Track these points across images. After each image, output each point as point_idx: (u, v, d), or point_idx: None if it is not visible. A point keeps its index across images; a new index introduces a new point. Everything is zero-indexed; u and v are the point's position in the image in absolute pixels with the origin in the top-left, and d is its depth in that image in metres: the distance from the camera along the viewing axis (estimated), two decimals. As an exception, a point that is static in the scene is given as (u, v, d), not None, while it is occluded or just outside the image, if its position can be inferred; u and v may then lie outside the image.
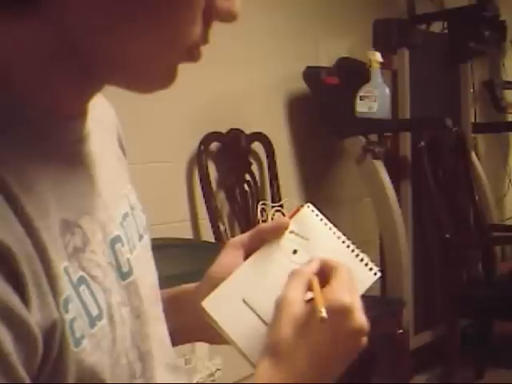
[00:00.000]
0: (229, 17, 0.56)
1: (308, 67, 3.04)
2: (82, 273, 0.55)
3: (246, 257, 0.78)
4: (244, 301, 0.74)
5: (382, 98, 2.94)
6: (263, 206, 2.72)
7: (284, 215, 0.87)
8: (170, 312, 0.77)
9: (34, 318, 0.48)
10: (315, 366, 0.67)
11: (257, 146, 2.90)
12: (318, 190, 3.25)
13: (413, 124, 3.16)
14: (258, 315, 0.73)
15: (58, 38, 0.53)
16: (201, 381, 2.14)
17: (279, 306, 0.68)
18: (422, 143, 3.19)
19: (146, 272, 0.70)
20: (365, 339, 0.69)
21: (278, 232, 0.78)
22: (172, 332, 0.74)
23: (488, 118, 4.22)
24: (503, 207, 4.43)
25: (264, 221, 2.60)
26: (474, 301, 3.17)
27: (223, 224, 2.63)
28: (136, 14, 0.53)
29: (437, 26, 3.48)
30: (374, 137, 3.04)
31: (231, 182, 2.78)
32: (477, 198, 3.54)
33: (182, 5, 0.53)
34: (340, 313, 0.66)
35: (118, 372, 0.58)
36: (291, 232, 0.79)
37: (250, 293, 0.74)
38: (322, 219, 0.81)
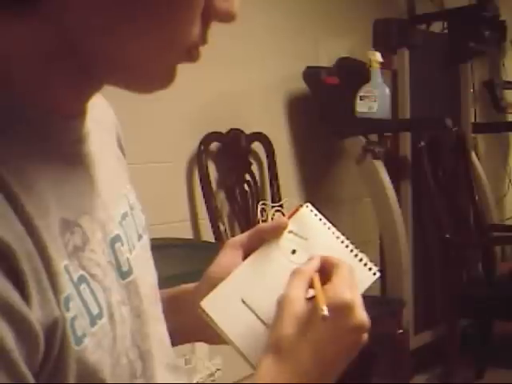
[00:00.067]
0: (227, 17, 0.56)
1: (308, 67, 3.04)
2: (82, 272, 0.55)
3: (245, 257, 0.78)
4: (243, 301, 0.74)
5: (382, 98, 2.94)
6: (263, 206, 2.72)
7: (284, 215, 0.87)
8: (170, 312, 0.77)
9: (35, 316, 0.48)
10: (318, 363, 0.67)
11: (257, 145, 2.90)
12: (318, 190, 3.25)
13: (413, 124, 3.16)
14: (257, 315, 0.73)
15: (58, 38, 0.53)
16: (201, 381, 2.14)
17: (281, 304, 0.69)
18: (422, 143, 3.19)
19: (145, 272, 0.70)
20: (366, 335, 0.69)
21: (276, 232, 0.79)
22: (171, 332, 0.74)
23: (488, 117, 4.22)
24: (503, 207, 4.43)
25: (264, 221, 2.60)
26: (473, 301, 3.17)
27: (223, 224, 2.63)
28: (135, 15, 0.53)
29: (437, 26, 3.48)
30: (374, 137, 3.04)
31: (231, 182, 2.78)
32: (477, 198, 3.54)
33: (181, 5, 0.53)
34: (341, 309, 0.67)
35: (118, 371, 0.58)
36: (290, 232, 0.79)
37: (248, 293, 0.74)
38: (321, 219, 0.81)
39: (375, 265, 0.80)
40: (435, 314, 3.31)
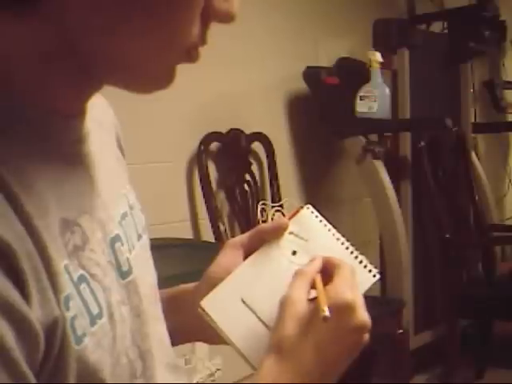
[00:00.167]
0: (227, 18, 0.56)
1: (308, 67, 3.04)
2: (82, 271, 0.55)
3: (246, 257, 0.78)
4: (243, 301, 0.74)
5: (382, 98, 2.94)
6: (263, 206, 2.72)
7: (284, 215, 0.87)
8: (169, 312, 0.77)
9: (35, 315, 0.48)
10: (319, 363, 0.67)
11: (257, 145, 2.90)
12: (318, 190, 3.25)
13: (413, 124, 3.16)
14: (257, 315, 0.74)
15: (58, 38, 0.53)
16: (201, 381, 2.14)
17: (283, 305, 0.69)
18: (422, 143, 3.19)
19: (145, 272, 0.70)
20: (367, 336, 0.69)
21: (277, 232, 0.79)
22: (171, 332, 0.75)
23: (488, 117, 4.22)
24: (503, 207, 4.43)
25: (264, 221, 2.60)
26: (473, 301, 3.18)
27: (223, 224, 2.63)
28: (135, 15, 0.53)
29: (437, 26, 3.48)
30: (374, 137, 3.04)
31: (231, 182, 2.78)
32: (477, 198, 3.54)
33: (181, 6, 0.53)
34: (343, 310, 0.67)
35: (118, 371, 0.58)
36: (290, 233, 0.79)
37: (248, 293, 0.74)
38: (321, 220, 0.81)
39: (375, 266, 0.80)
40: (435, 314, 3.31)
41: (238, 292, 0.74)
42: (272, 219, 2.51)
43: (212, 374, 2.19)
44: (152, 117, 2.47)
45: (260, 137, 2.88)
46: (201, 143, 2.67)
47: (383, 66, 2.98)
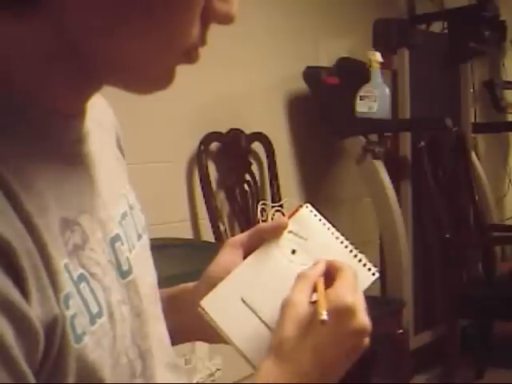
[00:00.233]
0: (226, 19, 0.56)
1: (308, 67, 3.04)
2: (81, 270, 0.55)
3: (245, 256, 0.79)
4: (243, 300, 0.74)
5: (382, 98, 2.94)
6: (263, 206, 2.72)
7: (284, 215, 0.87)
8: (169, 311, 0.77)
9: (35, 313, 0.48)
10: (319, 366, 0.68)
11: (257, 145, 2.90)
12: (318, 190, 3.25)
13: (413, 124, 3.16)
14: (257, 314, 0.74)
15: (58, 39, 0.53)
16: (201, 381, 2.14)
17: (284, 307, 0.70)
18: (422, 143, 3.19)
19: (145, 271, 0.70)
20: (367, 339, 0.70)
21: (276, 232, 0.79)
22: (171, 331, 0.75)
23: (488, 118, 4.22)
24: (503, 207, 4.43)
25: (264, 221, 2.60)
26: (473, 301, 3.17)
27: (223, 224, 2.63)
28: (134, 16, 0.53)
29: (437, 26, 3.48)
30: (374, 137, 3.04)
31: (231, 182, 2.78)
32: (477, 198, 3.54)
33: (180, 7, 0.53)
34: (342, 313, 0.68)
35: (118, 371, 0.59)
36: (290, 232, 0.79)
37: (248, 292, 0.75)
38: (320, 219, 0.82)
39: (374, 265, 0.80)
40: (435, 314, 3.31)
41: (237, 291, 0.75)
42: (272, 219, 2.51)
43: (212, 374, 2.19)
44: (152, 117, 2.47)
45: (260, 137, 2.88)
46: (201, 143, 2.67)
47: (383, 66, 2.98)
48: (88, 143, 0.62)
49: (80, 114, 0.60)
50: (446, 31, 3.44)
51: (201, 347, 2.09)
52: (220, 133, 2.76)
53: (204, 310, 0.73)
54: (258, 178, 2.88)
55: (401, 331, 2.72)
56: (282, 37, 3.06)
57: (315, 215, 0.82)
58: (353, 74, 3.09)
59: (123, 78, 0.58)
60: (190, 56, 0.57)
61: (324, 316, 0.66)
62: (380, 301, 2.73)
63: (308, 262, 0.76)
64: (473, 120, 3.78)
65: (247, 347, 0.72)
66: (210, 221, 2.62)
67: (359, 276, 0.75)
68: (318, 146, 3.22)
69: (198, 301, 0.74)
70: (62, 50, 0.54)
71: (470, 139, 3.62)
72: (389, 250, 2.92)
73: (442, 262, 3.19)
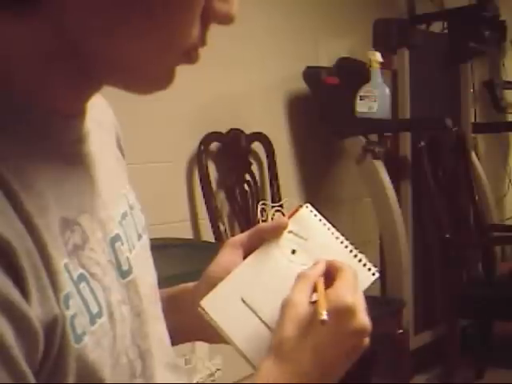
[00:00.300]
0: (226, 19, 0.56)
1: (308, 67, 3.04)
2: (81, 270, 0.55)
3: (245, 256, 0.79)
4: (243, 300, 0.74)
5: (382, 98, 2.94)
6: (263, 206, 2.72)
7: (284, 215, 0.87)
8: (169, 311, 0.77)
9: (35, 313, 0.48)
10: (319, 366, 0.68)
11: (257, 145, 2.90)
12: (318, 190, 3.25)
13: (413, 124, 3.16)
14: (257, 314, 0.74)
15: (58, 39, 0.53)
16: (201, 381, 2.14)
17: (284, 307, 0.70)
18: (422, 143, 3.19)
19: (145, 271, 0.70)
20: (367, 339, 0.70)
21: (276, 232, 0.79)
22: (171, 331, 0.75)
23: (488, 118, 4.22)
24: (503, 207, 4.43)
25: (264, 221, 2.60)
26: (473, 301, 3.17)
27: (223, 224, 2.63)
28: (134, 16, 0.53)
29: (437, 26, 3.48)
30: (374, 137, 3.04)
31: (231, 182, 2.78)
32: (477, 198, 3.54)
33: (180, 7, 0.53)
34: (342, 313, 0.68)
35: (118, 371, 0.59)
36: (290, 232, 0.79)
37: (248, 292, 0.75)
38: (320, 219, 0.82)
39: (374, 265, 0.80)
40: (435, 314, 3.31)
41: (237, 291, 0.75)
42: (272, 219, 2.51)
43: (212, 374, 2.19)
44: (152, 117, 2.47)
45: (260, 137, 2.88)
46: (201, 143, 2.67)
47: (383, 66, 2.98)
48: (88, 143, 0.62)
49: (80, 114, 0.60)
50: (446, 31, 3.44)
51: (201, 347, 2.09)
52: (220, 133, 2.76)
53: (204, 309, 0.73)
54: (258, 178, 2.88)
55: (401, 331, 2.72)
56: (282, 37, 3.06)
57: (315, 215, 0.82)
58: (353, 73, 3.09)
59: (123, 78, 0.58)
60: (190, 56, 0.57)
61: (324, 316, 0.66)
62: (380, 301, 2.73)
63: (308, 262, 0.76)
64: (473, 120, 3.78)
65: (247, 347, 0.72)
66: (210, 221, 2.62)
67: (359, 276, 0.75)
68: (318, 146, 3.22)
69: (198, 301, 0.74)
70: (62, 49, 0.54)
71: (470, 139, 3.62)
72: (389, 250, 2.92)
73: (442, 262, 3.19)
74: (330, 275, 0.73)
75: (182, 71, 0.58)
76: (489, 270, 3.42)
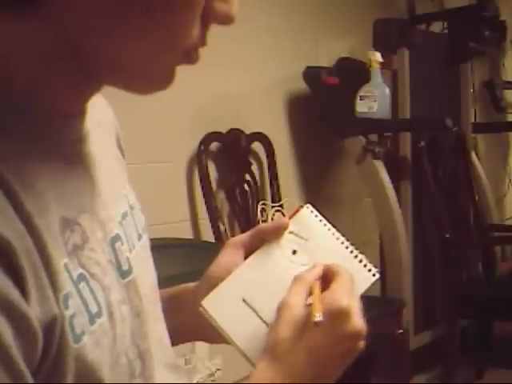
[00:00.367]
0: (227, 20, 0.56)
1: (308, 67, 3.04)
2: (81, 270, 0.55)
3: (246, 256, 0.79)
4: (244, 300, 0.74)
5: (382, 98, 2.94)
6: (263, 206, 2.72)
7: (284, 215, 0.88)
8: (170, 311, 0.77)
9: (34, 312, 0.48)
10: (313, 367, 0.68)
11: (257, 145, 2.90)
12: (318, 190, 3.25)
13: (413, 124, 3.16)
14: (258, 314, 0.74)
15: (58, 38, 0.53)
16: (201, 381, 2.14)
17: (280, 309, 0.70)
18: (422, 143, 3.20)
19: (145, 271, 0.70)
20: (362, 343, 0.70)
21: (277, 232, 0.79)
22: (171, 331, 0.75)
23: (488, 118, 4.22)
24: (503, 207, 4.43)
25: (264, 221, 2.60)
26: (473, 301, 3.17)
27: (223, 224, 2.63)
28: (134, 16, 0.53)
29: (437, 26, 3.48)
30: (374, 137, 3.04)
31: (231, 182, 2.78)
32: (477, 198, 3.54)
33: (180, 7, 0.53)
34: (337, 316, 0.68)
35: (117, 371, 0.58)
36: (291, 232, 0.80)
37: (249, 292, 0.75)
38: (321, 220, 0.82)
39: (375, 266, 0.80)
40: (435, 314, 3.31)
41: (239, 291, 0.75)
42: (272, 219, 2.51)
43: (212, 374, 2.19)
44: (152, 117, 2.47)
45: (260, 137, 2.88)
46: (201, 143, 2.67)
47: (383, 66, 2.98)
48: (88, 143, 0.62)
49: (80, 113, 0.60)
50: (446, 31, 3.44)
51: (201, 347, 2.09)
52: (220, 133, 2.76)
53: (205, 309, 0.73)
54: (258, 178, 2.88)
55: (401, 331, 2.72)
56: (282, 37, 3.06)
57: (316, 216, 0.82)
58: (353, 73, 3.09)
59: (123, 78, 0.57)
60: (191, 56, 0.57)
61: (317, 317, 0.66)
62: (380, 301, 2.73)
63: (309, 263, 0.77)
64: (473, 120, 3.78)
65: (248, 347, 0.73)
66: (210, 221, 2.62)
67: (360, 277, 0.75)
68: (318, 146, 3.22)
69: (199, 301, 0.74)
70: (62, 49, 0.54)
71: (470, 139, 3.62)
72: (389, 250, 2.92)
73: (442, 261, 3.19)
74: (327, 279, 0.73)
75: (182, 71, 0.58)
76: (489, 270, 3.42)
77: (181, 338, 0.83)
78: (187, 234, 2.64)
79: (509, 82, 4.26)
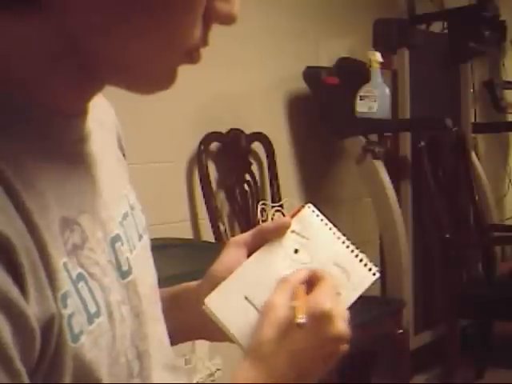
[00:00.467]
0: (228, 20, 0.56)
1: (308, 67, 3.04)
2: (80, 269, 0.55)
3: (248, 256, 0.79)
4: (246, 298, 0.75)
5: (382, 98, 2.94)
6: (263, 206, 2.72)
7: (284, 215, 0.88)
8: (171, 310, 0.77)
9: (32, 311, 0.48)
10: (295, 368, 0.70)
11: (257, 145, 2.90)
12: (318, 190, 3.25)
13: (413, 124, 3.16)
14: (260, 312, 0.74)
15: (59, 38, 0.53)
16: (201, 381, 2.14)
17: (264, 310, 0.72)
18: (422, 143, 3.20)
19: (145, 272, 0.70)
20: (345, 346, 0.72)
21: (279, 231, 0.80)
22: (172, 330, 0.75)
23: (488, 118, 4.22)
24: (503, 207, 4.43)
25: (264, 221, 2.60)
26: (473, 301, 3.18)
27: (223, 224, 2.63)
28: (136, 16, 0.53)
29: (437, 26, 3.48)
30: (374, 137, 3.04)
31: (231, 182, 2.78)
32: (477, 198, 3.54)
33: (182, 7, 0.53)
34: (320, 319, 0.69)
35: (116, 371, 0.58)
36: (293, 231, 0.80)
37: (252, 290, 0.75)
38: (322, 219, 0.82)
39: (375, 265, 0.80)
40: (435, 314, 3.31)
41: (241, 290, 0.75)
42: (272, 219, 2.51)
43: (212, 374, 2.19)
44: (152, 117, 2.47)
45: (260, 137, 2.88)
46: (201, 143, 2.67)
47: (383, 66, 2.98)
48: (90, 143, 0.62)
49: (82, 113, 0.60)
50: (446, 31, 3.44)
51: (201, 347, 2.09)
52: (220, 133, 2.76)
53: (208, 307, 0.74)
54: (258, 178, 2.88)
55: (401, 331, 2.72)
56: (281, 37, 3.06)
57: (317, 215, 0.82)
58: (353, 73, 3.09)
59: (125, 77, 0.57)
60: (192, 56, 0.57)
61: (300, 319, 0.67)
62: (380, 301, 2.73)
63: (310, 262, 0.77)
64: (473, 120, 3.78)
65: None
66: (210, 221, 2.62)
67: (360, 276, 0.76)
68: (318, 146, 3.22)
69: (201, 299, 0.75)
70: (64, 49, 0.54)
71: (470, 139, 3.62)
72: (389, 250, 2.92)
73: (442, 262, 3.19)
74: (312, 283, 0.74)
75: (183, 71, 0.58)
76: (489, 270, 3.42)
77: (182, 337, 0.84)
78: (187, 233, 2.64)
79: (509, 82, 4.26)
